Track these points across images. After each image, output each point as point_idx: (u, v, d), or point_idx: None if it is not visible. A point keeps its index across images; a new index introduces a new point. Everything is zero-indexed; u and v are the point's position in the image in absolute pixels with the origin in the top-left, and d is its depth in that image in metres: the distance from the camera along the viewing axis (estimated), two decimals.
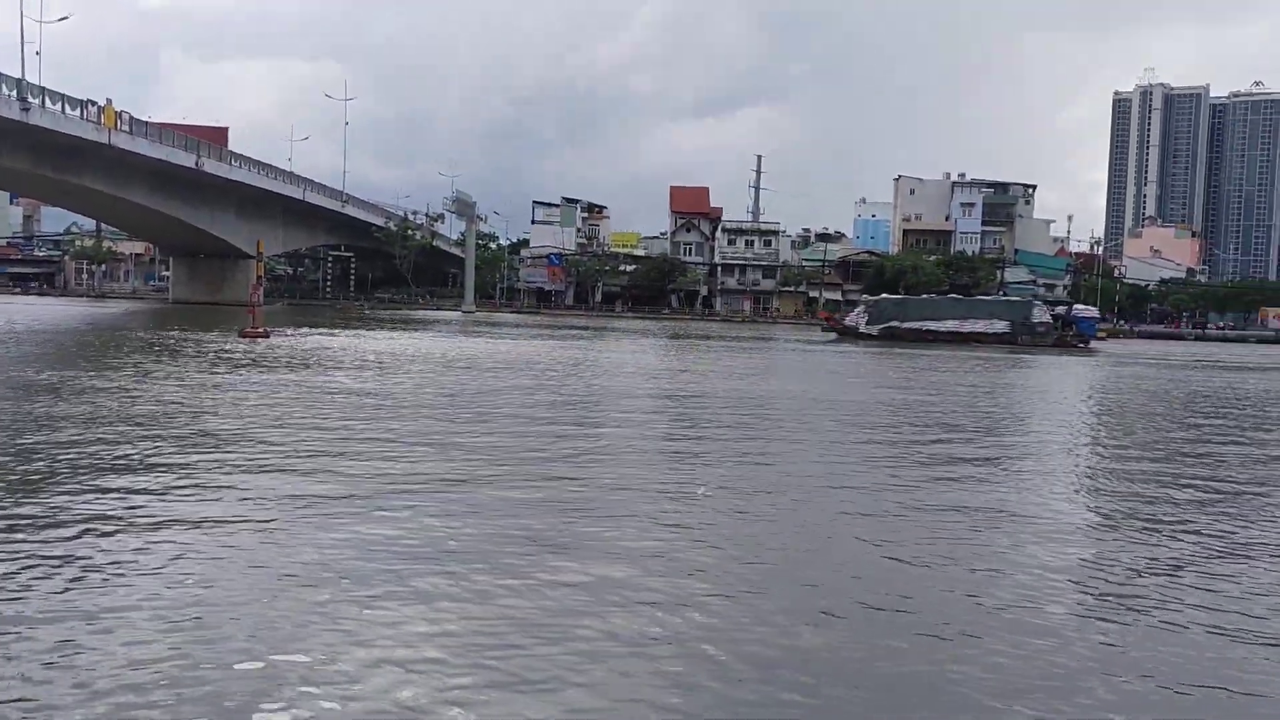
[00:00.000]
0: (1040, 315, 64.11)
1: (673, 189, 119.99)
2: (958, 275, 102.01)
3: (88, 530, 8.14)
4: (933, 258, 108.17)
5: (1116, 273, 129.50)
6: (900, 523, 9.65)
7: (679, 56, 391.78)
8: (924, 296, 74.53)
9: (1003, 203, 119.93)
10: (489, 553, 7.84)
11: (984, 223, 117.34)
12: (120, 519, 8.57)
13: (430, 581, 7.04)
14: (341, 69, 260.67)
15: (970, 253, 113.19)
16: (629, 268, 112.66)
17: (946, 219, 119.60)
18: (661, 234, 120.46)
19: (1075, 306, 73.40)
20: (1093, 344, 64.35)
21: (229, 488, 10.00)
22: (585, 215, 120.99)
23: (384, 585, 6.92)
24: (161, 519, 8.62)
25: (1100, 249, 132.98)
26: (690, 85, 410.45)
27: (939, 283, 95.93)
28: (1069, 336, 63.25)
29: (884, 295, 73.78)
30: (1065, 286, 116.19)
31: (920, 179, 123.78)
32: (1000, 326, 62.82)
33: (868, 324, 64.32)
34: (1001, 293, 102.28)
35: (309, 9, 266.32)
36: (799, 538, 8.97)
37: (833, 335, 65.63)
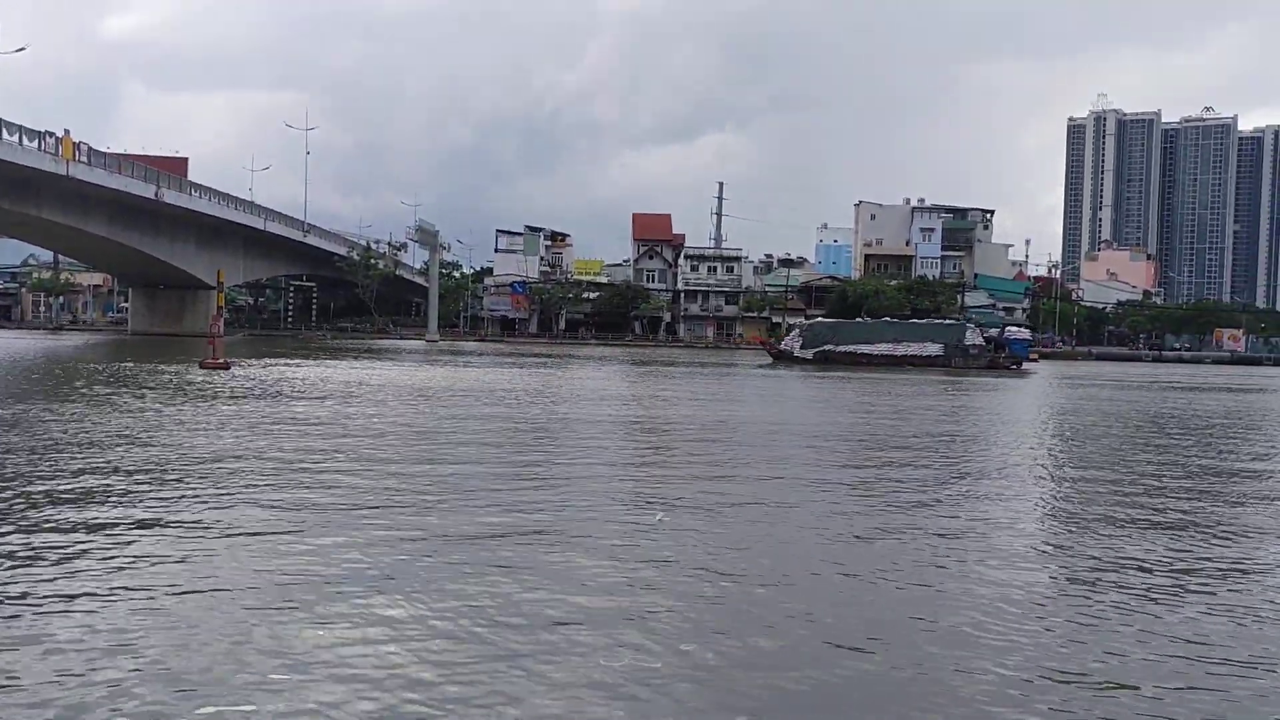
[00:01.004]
0: (973, 338, 64.83)
1: (635, 216, 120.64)
2: (919, 299, 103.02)
3: (28, 560, 8.09)
4: (894, 282, 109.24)
5: (1074, 296, 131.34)
6: (860, 548, 9.76)
7: (639, 83, 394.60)
8: (857, 320, 75.35)
9: (962, 228, 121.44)
10: (433, 580, 7.87)
11: (944, 247, 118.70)
12: (71, 550, 8.53)
13: (374, 603, 7.07)
14: (301, 98, 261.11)
15: (931, 277, 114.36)
16: (592, 295, 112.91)
17: (907, 244, 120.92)
18: (625, 261, 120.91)
19: (1008, 329, 74.33)
20: (1025, 365, 65.11)
21: (187, 521, 9.97)
22: (548, 243, 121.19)
23: (333, 606, 6.95)
24: (116, 551, 8.59)
25: (1058, 272, 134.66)
26: (651, 112, 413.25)
27: (901, 306, 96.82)
28: (1001, 359, 63.95)
29: (818, 319, 74.47)
30: (1024, 309, 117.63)
31: (880, 205, 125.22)
32: (933, 349, 63.42)
33: (802, 348, 64.78)
34: (963, 316, 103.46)
35: (267, 39, 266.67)
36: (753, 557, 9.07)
37: (768, 360, 65.68)
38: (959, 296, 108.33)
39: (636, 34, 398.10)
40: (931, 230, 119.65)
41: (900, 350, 63.26)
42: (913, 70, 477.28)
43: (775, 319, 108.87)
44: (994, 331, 70.43)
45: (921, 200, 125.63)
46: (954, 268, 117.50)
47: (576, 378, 39.59)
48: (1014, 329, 74.50)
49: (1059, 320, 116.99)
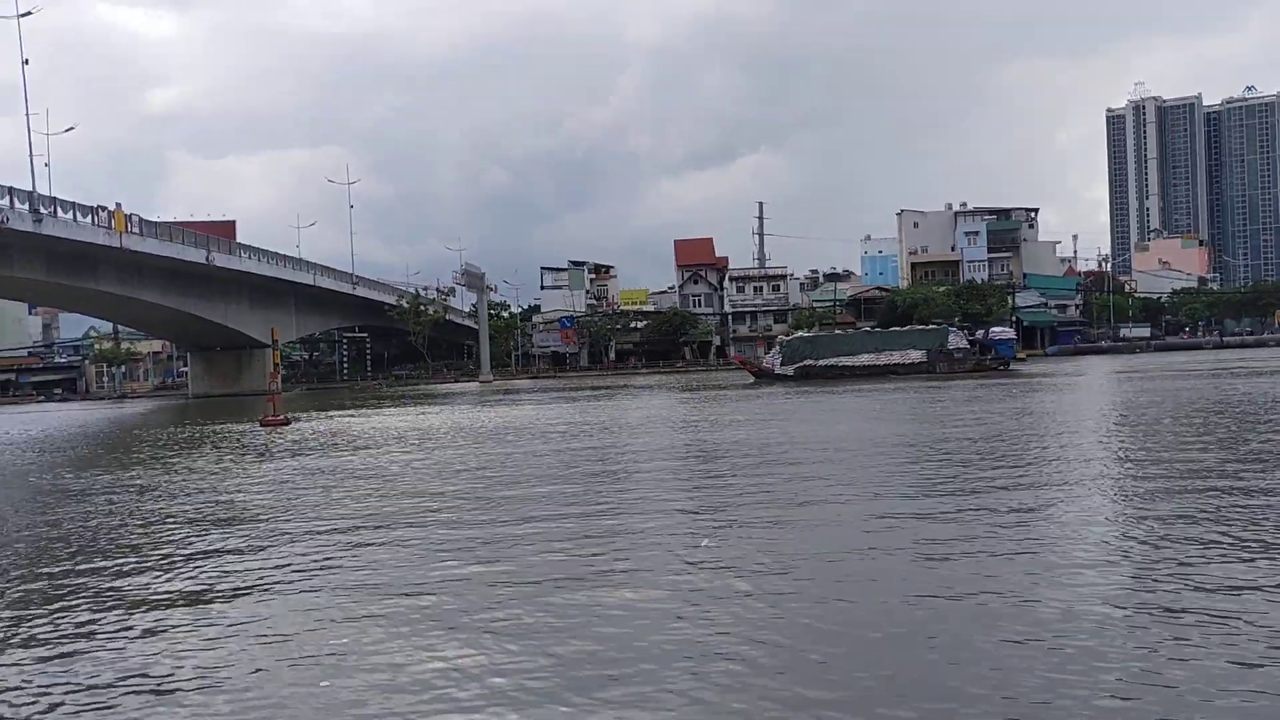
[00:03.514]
0: (956, 341, 63.78)
1: (677, 243, 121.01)
2: (968, 304, 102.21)
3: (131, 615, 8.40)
4: (942, 289, 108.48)
5: (1127, 288, 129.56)
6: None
7: (670, 113, 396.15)
8: (835, 333, 74.65)
9: (1006, 229, 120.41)
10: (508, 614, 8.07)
11: (989, 250, 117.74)
12: (167, 602, 8.84)
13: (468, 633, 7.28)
14: (341, 153, 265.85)
15: (979, 280, 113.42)
16: (640, 324, 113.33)
17: (952, 249, 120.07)
18: (670, 288, 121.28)
19: (992, 329, 73.17)
20: (1012, 366, 64.09)
21: (265, 577, 10.27)
22: (593, 276, 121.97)
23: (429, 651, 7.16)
24: (213, 603, 8.89)
25: (1108, 265, 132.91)
26: (683, 140, 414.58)
27: (950, 312, 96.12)
28: (988, 360, 63.02)
29: (796, 335, 73.54)
30: (1077, 305, 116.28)
31: (923, 212, 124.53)
32: (916, 356, 62.34)
33: (782, 365, 63.69)
34: (1013, 318, 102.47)
35: (303, 100, 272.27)
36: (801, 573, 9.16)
37: (750, 379, 64.74)
38: (1009, 298, 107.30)
39: (663, 65, 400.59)
40: (976, 233, 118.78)
41: (882, 360, 62.24)
42: (940, 77, 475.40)
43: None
44: (979, 334, 69.57)
45: (963, 204, 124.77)
46: (1002, 269, 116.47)
47: (625, 408, 39.75)
48: (998, 329, 73.49)
49: (1113, 313, 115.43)
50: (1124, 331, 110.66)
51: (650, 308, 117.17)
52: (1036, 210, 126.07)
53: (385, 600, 8.82)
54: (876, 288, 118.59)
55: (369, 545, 11.60)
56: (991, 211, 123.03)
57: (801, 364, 62.78)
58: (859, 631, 7.33)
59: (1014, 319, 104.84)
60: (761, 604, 8.18)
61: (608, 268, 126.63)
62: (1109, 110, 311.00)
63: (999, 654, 6.64)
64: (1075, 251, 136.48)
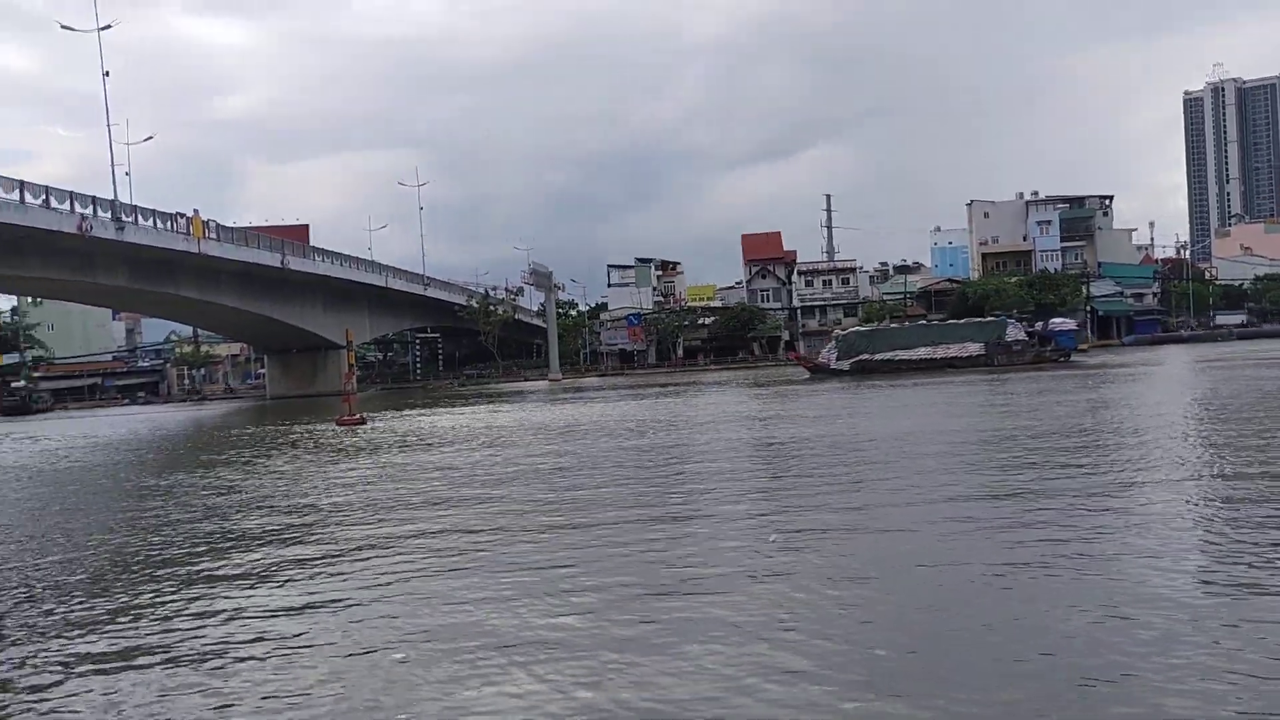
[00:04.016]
0: (1015, 333, 62.43)
1: (744, 237, 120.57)
2: (1041, 294, 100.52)
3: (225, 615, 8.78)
4: (1014, 279, 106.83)
5: (1207, 275, 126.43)
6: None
7: (734, 107, 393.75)
8: (892, 326, 73.47)
9: (1080, 217, 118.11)
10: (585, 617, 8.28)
11: (1063, 239, 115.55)
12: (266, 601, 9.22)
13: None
14: (409, 155, 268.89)
15: (1052, 270, 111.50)
16: (708, 320, 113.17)
17: (1024, 239, 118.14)
18: (737, 283, 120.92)
19: (1052, 320, 71.40)
20: (1074, 357, 62.70)
21: (344, 573, 10.62)
22: (659, 273, 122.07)
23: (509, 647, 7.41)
24: (298, 602, 9.26)
25: (1187, 252, 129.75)
26: (748, 134, 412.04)
27: (1023, 303, 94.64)
28: (1048, 352, 61.66)
29: (852, 329, 72.40)
30: (1154, 294, 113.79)
31: (993, 201, 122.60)
32: (974, 349, 61.13)
33: (838, 360, 62.87)
34: (1088, 308, 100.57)
35: (371, 103, 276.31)
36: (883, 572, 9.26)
37: (806, 375, 63.88)
38: (1083, 287, 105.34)
39: (724, 60, 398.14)
40: (1048, 223, 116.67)
41: (939, 353, 61.22)
42: (1005, 65, 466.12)
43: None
44: (1038, 325, 68.14)
45: (1035, 193, 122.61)
46: (1076, 258, 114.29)
47: (691, 404, 39.87)
48: (1058, 320, 71.77)
49: (1193, 301, 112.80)
50: (1218, 319, 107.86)
51: (718, 303, 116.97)
52: (1111, 198, 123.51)
53: (460, 605, 9.10)
54: (947, 279, 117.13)
55: (445, 545, 11.92)
56: (1064, 200, 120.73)
57: (857, 359, 62.22)
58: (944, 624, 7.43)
59: (1089, 309, 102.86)
60: (851, 601, 8.32)
61: (674, 264, 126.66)
62: (1186, 93, 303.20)
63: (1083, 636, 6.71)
64: (1152, 239, 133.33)
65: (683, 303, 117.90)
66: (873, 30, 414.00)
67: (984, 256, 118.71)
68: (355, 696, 6.54)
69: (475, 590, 9.19)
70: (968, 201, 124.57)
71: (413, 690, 6.60)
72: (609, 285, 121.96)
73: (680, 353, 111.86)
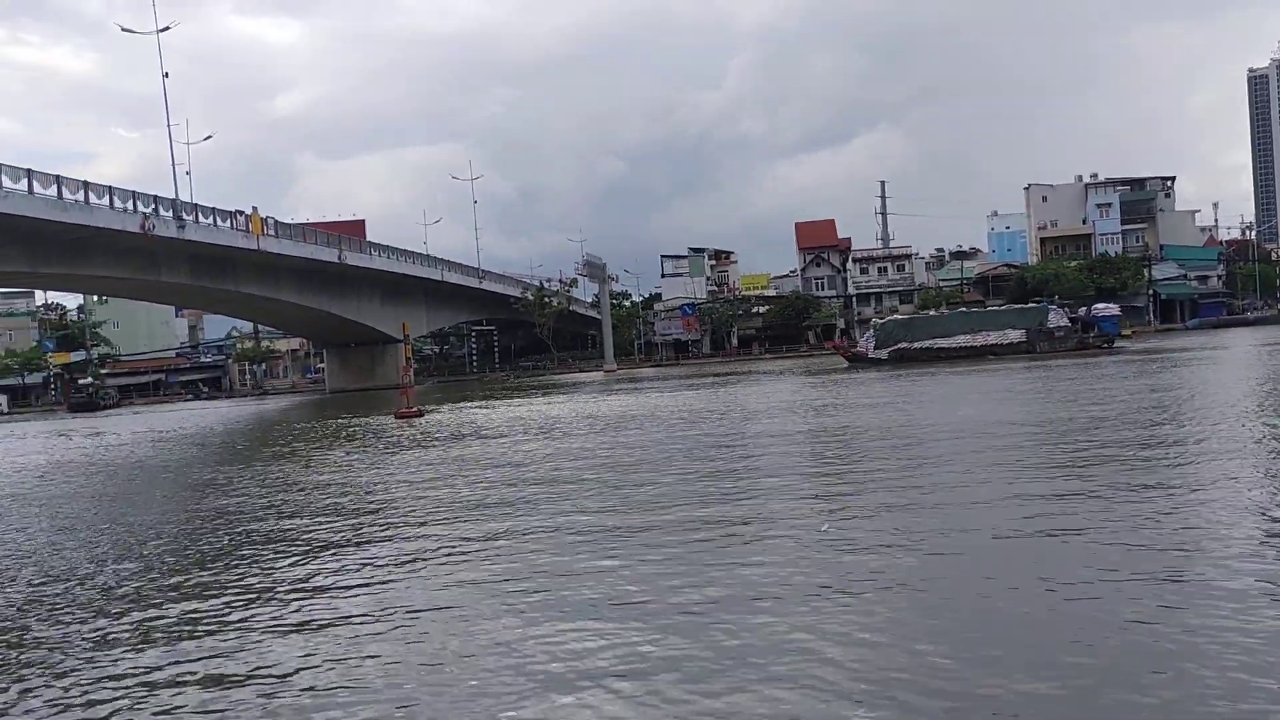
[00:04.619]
0: (1057, 319, 61.15)
1: (798, 225, 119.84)
2: (1101, 278, 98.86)
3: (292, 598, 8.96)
4: (1074, 263, 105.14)
5: (1274, 256, 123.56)
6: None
7: (783, 95, 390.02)
8: (930, 314, 72.44)
9: (1141, 199, 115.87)
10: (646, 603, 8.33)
11: (1123, 221, 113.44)
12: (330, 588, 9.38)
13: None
14: (461, 149, 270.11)
15: (1113, 254, 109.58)
16: (762, 309, 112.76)
17: (1083, 222, 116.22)
18: (791, 272, 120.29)
19: (1095, 306, 69.90)
20: (1118, 343, 61.37)
21: (405, 562, 10.77)
22: (713, 262, 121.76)
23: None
24: (369, 591, 9.41)
25: (1252, 233, 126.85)
26: (798, 121, 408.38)
27: (1083, 288, 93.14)
28: (1091, 339, 60.48)
29: (890, 317, 71.45)
30: (1219, 276, 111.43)
31: (1051, 185, 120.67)
32: (1014, 336, 60.10)
33: (876, 349, 62.16)
34: (1150, 292, 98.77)
35: (422, 99, 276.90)
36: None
37: (844, 364, 63.11)
38: (1145, 270, 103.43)
39: (774, 47, 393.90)
40: (1108, 205, 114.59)
41: (979, 340, 60.27)
42: (1060, 47, 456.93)
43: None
44: (1080, 311, 66.80)
45: (1094, 176, 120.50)
46: (1137, 241, 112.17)
47: (745, 393, 39.78)
48: (1102, 306, 70.29)
49: (1260, 283, 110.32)
50: None
51: (772, 292, 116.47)
52: (1173, 179, 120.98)
53: (525, 589, 9.19)
54: (1004, 264, 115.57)
55: (502, 533, 12.04)
56: (1124, 182, 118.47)
57: (896, 347, 61.53)
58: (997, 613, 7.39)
59: (1151, 292, 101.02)
60: (912, 589, 8.30)
61: (727, 253, 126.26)
62: (1250, 70, 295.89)
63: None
64: (1216, 220, 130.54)
65: (737, 292, 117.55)
66: (922, 12, 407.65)
67: (1042, 241, 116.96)
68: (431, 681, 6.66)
69: (531, 591, 9.28)
70: (1025, 185, 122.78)
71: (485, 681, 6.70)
72: (663, 275, 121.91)
73: (735, 342, 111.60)
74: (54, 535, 14.63)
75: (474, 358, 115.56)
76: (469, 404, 47.24)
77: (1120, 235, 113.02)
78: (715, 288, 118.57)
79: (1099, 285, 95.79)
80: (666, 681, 6.37)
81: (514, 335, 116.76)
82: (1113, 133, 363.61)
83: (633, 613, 7.95)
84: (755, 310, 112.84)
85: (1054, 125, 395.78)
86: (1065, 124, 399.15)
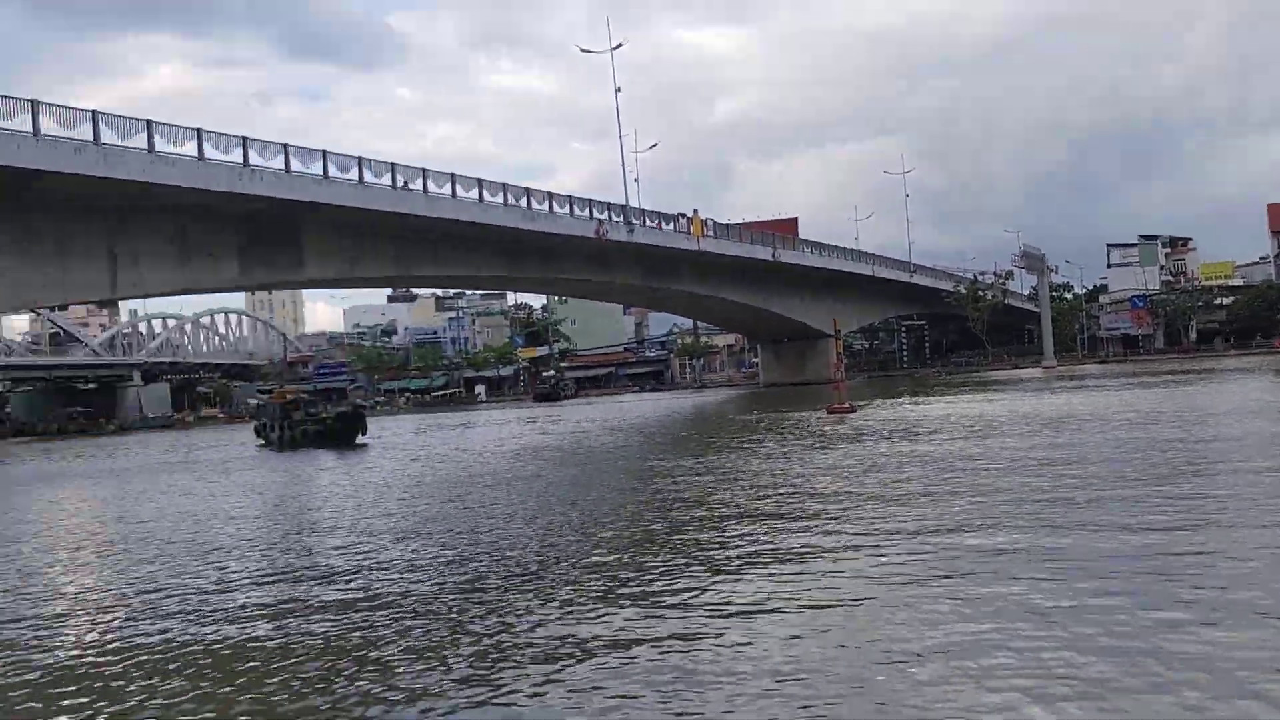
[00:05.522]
0: None
1: (1270, 207, 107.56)
2: None
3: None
4: None
5: None
6: None
7: (1251, 64, 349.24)
8: None
9: None
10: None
11: None
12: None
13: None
14: (894, 143, 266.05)
15: None
16: (1225, 300, 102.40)
17: None
18: (1261, 258, 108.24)
19: None
20: None
21: (839, 555, 11.37)
22: (1167, 251, 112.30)
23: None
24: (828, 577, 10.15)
25: None
26: (1269, 93, 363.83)
27: None
28: None
29: None
30: None
31: None
32: None
33: None
34: None
35: (854, 97, 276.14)
36: None
37: None
38: None
39: (1240, 12, 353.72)
40: None
41: None
42: None
43: None
44: None
45: None
46: None
47: (1206, 394, 36.48)
48: None
49: None
50: None
51: (1237, 281, 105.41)
52: None
53: (937, 593, 9.44)
54: None
55: (924, 541, 12.28)
56: None
57: None
58: None
59: None
60: None
61: (1184, 240, 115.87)
62: None
63: None
64: None
65: (1195, 282, 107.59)
66: None
67: None
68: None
69: (941, 597, 9.50)
70: None
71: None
72: (1108, 266, 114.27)
73: (1193, 337, 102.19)
74: (522, 511, 16.72)
75: (904, 353, 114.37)
76: (899, 400, 47.07)
77: None
78: (1170, 278, 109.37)
79: None
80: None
81: (945, 330, 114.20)
82: None
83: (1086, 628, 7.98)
84: (1218, 302, 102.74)
85: None
86: None
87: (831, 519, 13.49)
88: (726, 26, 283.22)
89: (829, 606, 8.80)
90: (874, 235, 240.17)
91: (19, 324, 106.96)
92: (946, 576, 9.53)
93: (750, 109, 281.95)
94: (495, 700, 7.13)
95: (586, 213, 56.40)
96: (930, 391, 55.05)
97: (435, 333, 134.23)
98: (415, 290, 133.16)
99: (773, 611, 8.82)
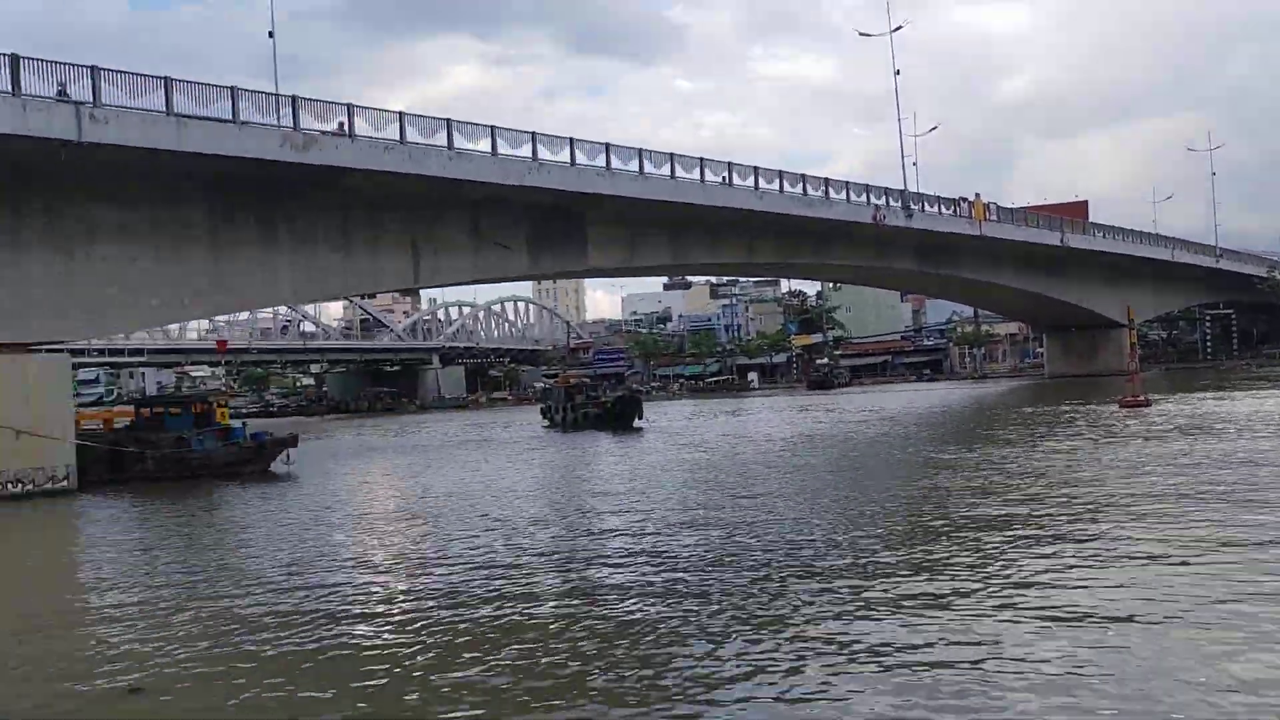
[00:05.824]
0: None
1: None
2: None
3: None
4: None
5: None
6: None
7: None
8: None
9: None
10: None
11: None
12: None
13: None
14: (1199, 119, 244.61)
15: None
16: None
17: None
18: None
19: None
20: None
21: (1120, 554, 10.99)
22: None
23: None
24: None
25: None
26: None
27: None
28: None
29: None
30: None
31: None
32: None
33: None
34: None
35: (1155, 69, 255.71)
36: None
37: None
38: None
39: None
40: None
41: None
42: None
43: None
44: None
45: None
46: None
47: None
48: None
49: None
50: None
51: None
52: None
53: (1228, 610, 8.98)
54: None
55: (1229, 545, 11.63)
56: None
57: None
58: None
59: None
60: None
61: None
62: None
63: None
64: None
65: None
66: None
67: None
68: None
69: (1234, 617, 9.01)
70: None
71: None
72: None
73: None
74: (799, 502, 16.93)
75: (1208, 343, 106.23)
76: (1202, 394, 43.97)
77: None
78: None
79: None
80: None
81: (1255, 319, 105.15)
82: None
83: None
84: None
85: None
86: None
87: (1127, 521, 12.97)
88: (1010, 2, 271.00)
89: (1121, 620, 8.45)
90: (1174, 219, 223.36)
91: (334, 310, 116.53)
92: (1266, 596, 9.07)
93: (1038, 86, 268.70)
94: (784, 697, 7.24)
95: (863, 198, 55.75)
96: (1236, 386, 50.99)
97: (709, 320, 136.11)
98: (690, 278, 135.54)
99: (1066, 621, 8.56)
